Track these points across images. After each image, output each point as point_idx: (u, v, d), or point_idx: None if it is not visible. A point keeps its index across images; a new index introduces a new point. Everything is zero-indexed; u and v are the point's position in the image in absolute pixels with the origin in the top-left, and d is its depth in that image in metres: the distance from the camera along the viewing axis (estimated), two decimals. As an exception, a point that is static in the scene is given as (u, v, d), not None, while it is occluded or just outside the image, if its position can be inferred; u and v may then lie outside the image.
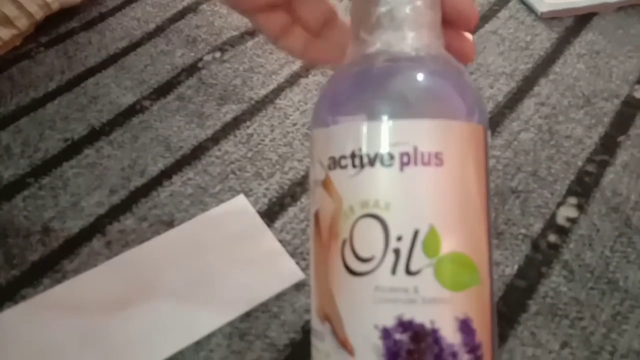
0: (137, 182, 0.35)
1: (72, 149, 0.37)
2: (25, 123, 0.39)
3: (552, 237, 0.32)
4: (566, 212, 0.33)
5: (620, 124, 0.38)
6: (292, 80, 0.41)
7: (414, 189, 0.17)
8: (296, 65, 0.42)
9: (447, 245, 0.17)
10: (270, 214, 0.33)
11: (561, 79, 0.41)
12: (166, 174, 0.35)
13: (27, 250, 0.32)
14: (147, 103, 0.40)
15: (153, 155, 0.36)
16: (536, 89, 0.40)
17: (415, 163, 0.17)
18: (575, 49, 0.43)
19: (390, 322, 0.16)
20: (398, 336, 0.16)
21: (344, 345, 0.17)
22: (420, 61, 0.18)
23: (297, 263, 0.31)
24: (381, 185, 0.17)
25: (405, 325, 0.16)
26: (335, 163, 0.17)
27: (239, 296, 0.29)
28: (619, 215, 0.32)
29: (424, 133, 0.17)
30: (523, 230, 0.32)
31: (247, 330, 0.28)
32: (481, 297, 0.17)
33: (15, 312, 0.29)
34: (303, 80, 0.41)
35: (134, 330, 0.28)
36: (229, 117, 0.39)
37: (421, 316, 0.16)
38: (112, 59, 0.43)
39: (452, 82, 0.18)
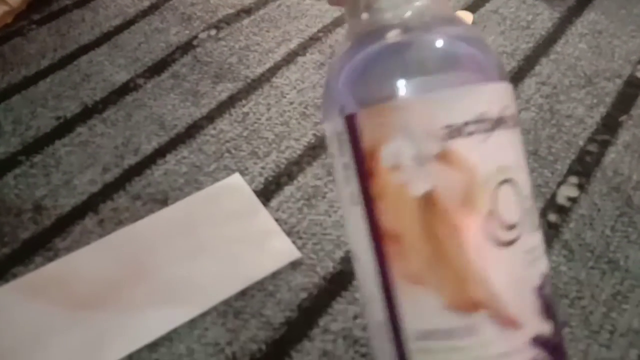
0: (131, 160, 0.34)
1: (65, 127, 0.36)
2: (17, 101, 0.38)
3: (552, 217, 0.31)
4: (567, 192, 0.32)
5: (623, 103, 0.37)
6: (289, 58, 0.40)
7: (519, 148, 0.17)
8: (293, 43, 0.41)
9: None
10: (266, 193, 0.33)
11: (563, 58, 0.40)
12: (160, 153, 0.35)
13: (19, 229, 0.31)
14: (141, 81, 0.39)
15: (147, 133, 0.36)
16: (537, 68, 0.39)
17: (515, 125, 0.17)
18: (577, 28, 0.43)
19: (539, 280, 0.16)
20: (547, 290, 0.16)
21: (511, 324, 0.15)
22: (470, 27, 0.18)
23: (294, 242, 0.30)
24: (510, 148, 0.16)
25: (546, 278, 0.17)
26: (457, 131, 0.15)
27: (234, 275, 0.29)
28: (620, 194, 0.32)
29: (509, 95, 0.17)
30: (523, 210, 0.31)
31: (242, 308, 0.28)
32: None
33: (6, 290, 0.28)
34: (300, 59, 0.40)
35: (127, 309, 0.27)
36: (224, 95, 0.38)
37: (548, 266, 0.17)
38: (106, 37, 0.43)
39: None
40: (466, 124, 0.16)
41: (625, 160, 0.34)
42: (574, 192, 0.32)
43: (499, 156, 0.16)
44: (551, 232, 0.30)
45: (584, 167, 0.33)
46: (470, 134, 0.16)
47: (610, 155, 0.34)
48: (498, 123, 0.16)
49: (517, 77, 0.39)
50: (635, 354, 0.26)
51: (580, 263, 0.29)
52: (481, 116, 0.16)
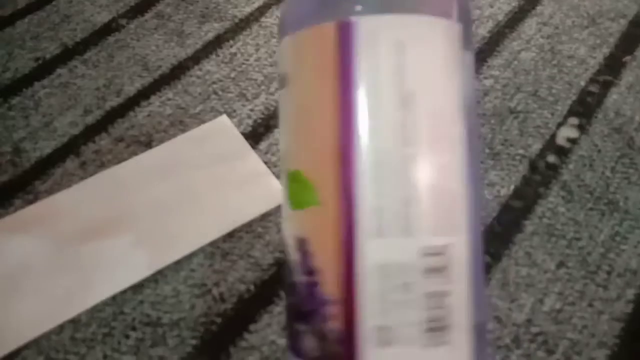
0: (113, 102, 0.33)
1: (44, 69, 0.35)
2: (-7, 42, 0.36)
3: (551, 158, 0.30)
4: (567, 133, 0.31)
5: (627, 44, 0.35)
6: (279, -2, 0.38)
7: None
8: (283, -18, 0.39)
9: (291, 163, 0.17)
10: (254, 136, 0.31)
11: (565, -2, 0.38)
12: (144, 94, 0.33)
13: (-3, 171, 0.30)
14: (123, 21, 0.37)
15: (130, 74, 0.34)
16: (539, 8, 0.38)
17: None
18: (582, -33, 0.41)
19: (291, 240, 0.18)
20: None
21: None
22: None
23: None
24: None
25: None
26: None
27: (221, 217, 0.28)
28: (621, 136, 0.31)
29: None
30: (521, 151, 0.30)
31: (230, 250, 0.27)
32: (321, 219, 0.16)
33: (-15, 233, 0.27)
34: (291, -2, 0.38)
35: (110, 250, 0.26)
36: (210, 35, 0.36)
37: (283, 231, 0.18)
38: (86, -24, 0.40)
39: None
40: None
41: (628, 102, 0.32)
42: (574, 133, 0.31)
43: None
44: (550, 173, 0.29)
45: (584, 108, 0.32)
46: None
47: (613, 96, 0.33)
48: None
49: (517, 17, 0.37)
50: (632, 294, 0.25)
51: (579, 204, 0.28)
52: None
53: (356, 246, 0.16)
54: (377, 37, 0.16)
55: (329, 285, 0.16)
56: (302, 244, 0.16)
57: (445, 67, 0.16)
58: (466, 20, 0.17)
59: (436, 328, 0.15)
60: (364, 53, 0.16)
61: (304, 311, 0.17)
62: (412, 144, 0.16)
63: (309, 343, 0.16)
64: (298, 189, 0.17)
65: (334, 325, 0.16)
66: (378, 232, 0.15)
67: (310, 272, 0.16)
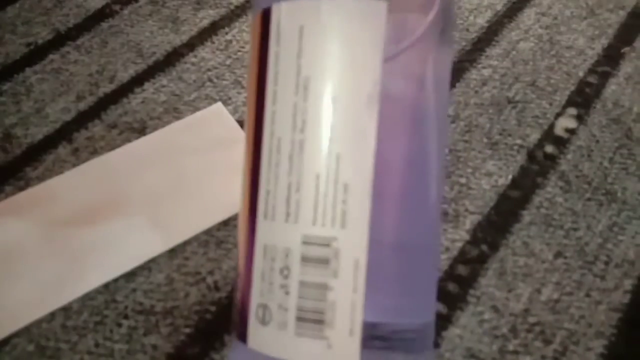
0: (107, 88, 0.32)
1: (36, 54, 0.34)
2: (-16, 27, 0.36)
3: (549, 148, 0.30)
4: (565, 123, 0.31)
5: (625, 35, 0.35)
6: (276, -15, 0.38)
7: None
8: (280, -31, 0.39)
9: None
10: (250, 123, 0.31)
11: (564, -12, 0.38)
12: (138, 81, 0.33)
13: (-13, 157, 0.29)
14: (117, 7, 0.37)
15: (123, 61, 0.34)
16: (537, -2, 0.37)
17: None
18: (581, -42, 0.40)
19: None
20: None
21: None
22: None
23: (279, 172, 0.29)
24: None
25: None
26: None
27: (216, 204, 0.27)
28: (619, 126, 0.31)
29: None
30: (519, 141, 0.30)
31: (225, 238, 0.26)
32: (241, 199, 0.19)
33: (-26, 219, 0.27)
34: (287, -14, 0.38)
35: (103, 238, 0.26)
36: (205, 22, 0.36)
37: None
38: (79, -39, 0.40)
39: None
40: None
41: (626, 92, 0.32)
42: (572, 124, 0.31)
43: None
44: (547, 164, 0.29)
45: (583, 98, 0.32)
46: None
47: (611, 87, 0.32)
48: None
49: (516, 7, 0.37)
50: (629, 284, 0.25)
51: (576, 194, 0.28)
52: None
53: (254, 227, 0.17)
54: (283, 24, 0.16)
55: (240, 260, 0.17)
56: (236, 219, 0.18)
57: (350, 52, 0.16)
58: (445, 9, 0.17)
59: (311, 320, 0.15)
60: (273, 40, 0.16)
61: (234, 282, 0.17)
62: (302, 130, 0.16)
63: (233, 313, 0.18)
64: None
65: (238, 296, 0.18)
66: (268, 215, 0.16)
67: (236, 246, 0.17)
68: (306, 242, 0.15)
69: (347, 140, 0.15)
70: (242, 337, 0.17)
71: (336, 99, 0.15)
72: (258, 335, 0.16)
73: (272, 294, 0.16)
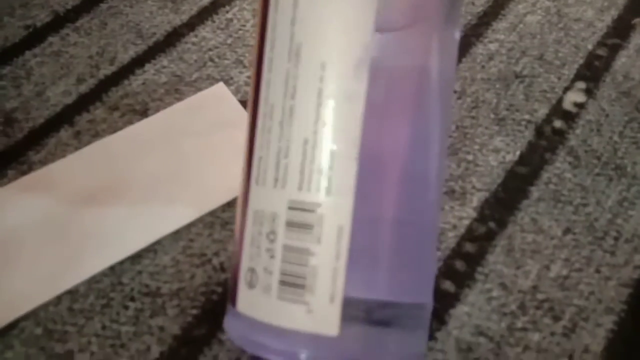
0: (107, 70, 0.32)
1: (35, 37, 0.34)
2: (-19, 10, 0.35)
3: (558, 123, 0.29)
4: (574, 97, 0.30)
5: (635, 6, 0.34)
6: (276, -39, 0.37)
7: None
8: (281, -55, 0.38)
9: None
10: (253, 103, 0.30)
11: (573, -41, 0.37)
12: (138, 62, 0.32)
13: (-11, 142, 0.29)
14: (115, -13, 0.36)
15: (123, 42, 0.33)
16: (545, -30, 0.36)
17: None
18: None
19: None
20: None
21: None
22: None
23: (283, 152, 0.28)
24: None
25: None
26: None
27: (220, 186, 0.27)
28: (630, 100, 0.30)
29: None
30: (526, 116, 0.29)
31: (230, 219, 0.26)
32: (241, 166, 0.21)
33: (-21, 204, 0.27)
34: (288, -38, 0.37)
35: (107, 220, 0.26)
36: (205, 1, 0.35)
37: None
38: (76, -59, 0.39)
39: None
40: None
41: (637, 65, 0.31)
42: (581, 98, 0.30)
43: None
44: (556, 139, 0.29)
45: (592, 71, 0.31)
46: None
47: (621, 59, 0.32)
48: None
49: (523, -21, 0.36)
50: (639, 260, 0.25)
51: (585, 169, 0.28)
52: None
53: (248, 192, 0.17)
54: None
55: (235, 225, 0.19)
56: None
57: (341, 16, 0.16)
58: None
59: (293, 284, 0.16)
60: (272, 7, 0.17)
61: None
62: (293, 96, 0.16)
63: (230, 279, 0.19)
64: None
65: (233, 261, 0.18)
66: (260, 180, 0.17)
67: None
68: (292, 207, 0.16)
69: (334, 106, 0.15)
70: (233, 301, 0.17)
71: (325, 64, 0.15)
72: (246, 298, 0.17)
73: (259, 257, 0.16)
